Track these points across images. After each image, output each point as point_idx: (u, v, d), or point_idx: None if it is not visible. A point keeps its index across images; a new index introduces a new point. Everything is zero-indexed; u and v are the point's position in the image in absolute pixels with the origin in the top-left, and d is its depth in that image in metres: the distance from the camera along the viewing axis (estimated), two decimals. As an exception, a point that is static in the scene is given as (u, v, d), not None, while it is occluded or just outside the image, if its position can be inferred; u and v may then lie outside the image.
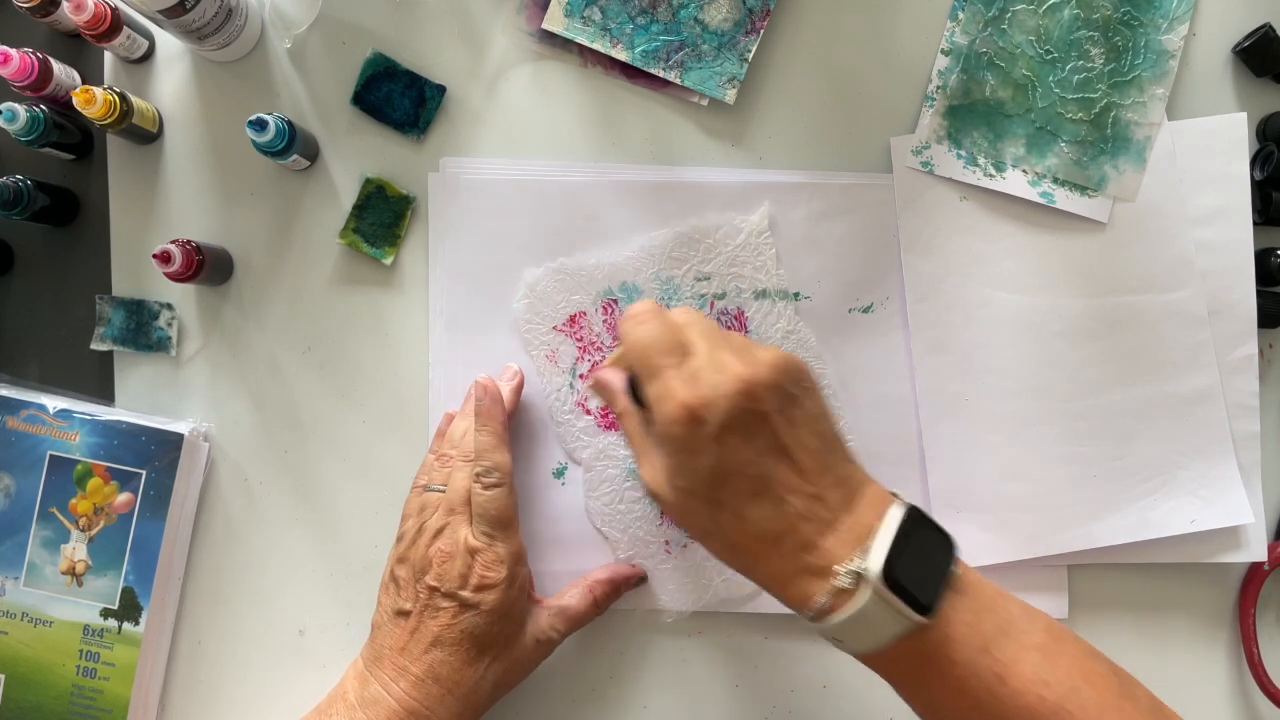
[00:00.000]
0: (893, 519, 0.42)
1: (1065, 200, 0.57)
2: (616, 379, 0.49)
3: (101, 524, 0.57)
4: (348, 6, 0.58)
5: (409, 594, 0.51)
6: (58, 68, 0.55)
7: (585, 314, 0.58)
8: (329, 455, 0.59)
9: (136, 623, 0.56)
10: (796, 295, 0.58)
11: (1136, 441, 0.57)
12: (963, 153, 0.57)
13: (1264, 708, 0.58)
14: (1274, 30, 0.57)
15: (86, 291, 0.59)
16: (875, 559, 0.41)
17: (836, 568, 0.42)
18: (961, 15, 0.57)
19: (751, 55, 0.57)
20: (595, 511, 0.58)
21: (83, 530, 0.57)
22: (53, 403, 0.57)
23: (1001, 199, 0.57)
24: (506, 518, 0.51)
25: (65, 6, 0.52)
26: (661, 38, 0.57)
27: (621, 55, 0.57)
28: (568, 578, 0.56)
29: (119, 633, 0.56)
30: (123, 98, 0.54)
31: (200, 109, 0.59)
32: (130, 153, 0.59)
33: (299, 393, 0.59)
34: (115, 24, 0.54)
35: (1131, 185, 0.57)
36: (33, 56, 0.53)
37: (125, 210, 0.59)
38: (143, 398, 0.59)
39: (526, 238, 0.58)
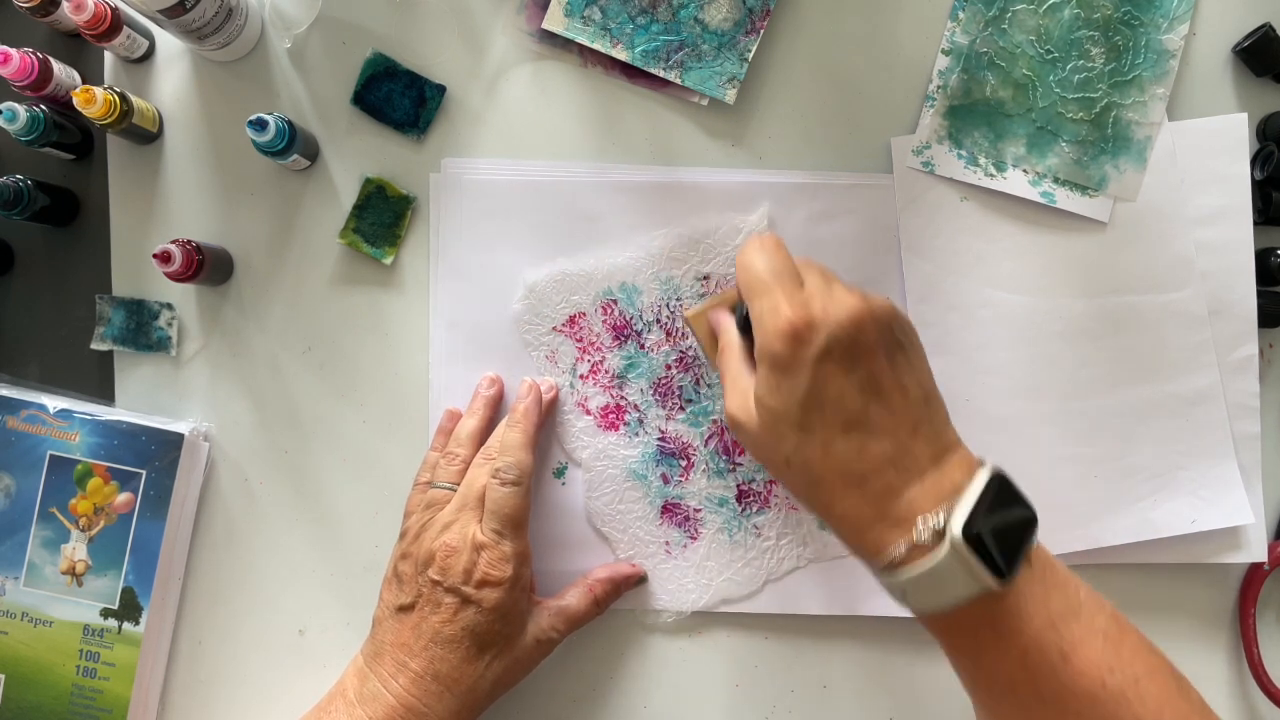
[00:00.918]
0: (980, 480, 0.42)
1: (1066, 200, 0.57)
2: (722, 320, 0.49)
3: (101, 524, 0.57)
4: (348, 6, 0.58)
5: (411, 588, 0.51)
6: (58, 68, 0.55)
7: (585, 314, 0.58)
8: (329, 455, 0.59)
9: (136, 623, 0.56)
10: (797, 295, 0.58)
11: (1137, 442, 0.57)
12: (963, 153, 0.57)
13: (1264, 708, 0.58)
14: (1274, 30, 0.57)
15: (86, 291, 0.59)
16: (959, 516, 0.40)
17: (919, 519, 0.41)
18: (962, 15, 0.57)
19: (751, 55, 0.57)
20: (595, 511, 0.58)
21: (83, 530, 0.57)
22: (53, 403, 0.57)
23: (1002, 199, 0.57)
24: (518, 518, 0.51)
25: (65, 6, 0.52)
26: (661, 38, 0.57)
27: (621, 55, 0.57)
28: (568, 578, 0.56)
29: (119, 633, 0.57)
30: (123, 98, 0.54)
31: (200, 109, 0.59)
32: (130, 153, 0.59)
33: (299, 393, 0.59)
34: (115, 24, 0.54)
35: (1132, 185, 0.57)
36: (33, 56, 0.53)
37: (125, 210, 0.59)
38: (143, 398, 0.59)
39: (526, 238, 0.58)
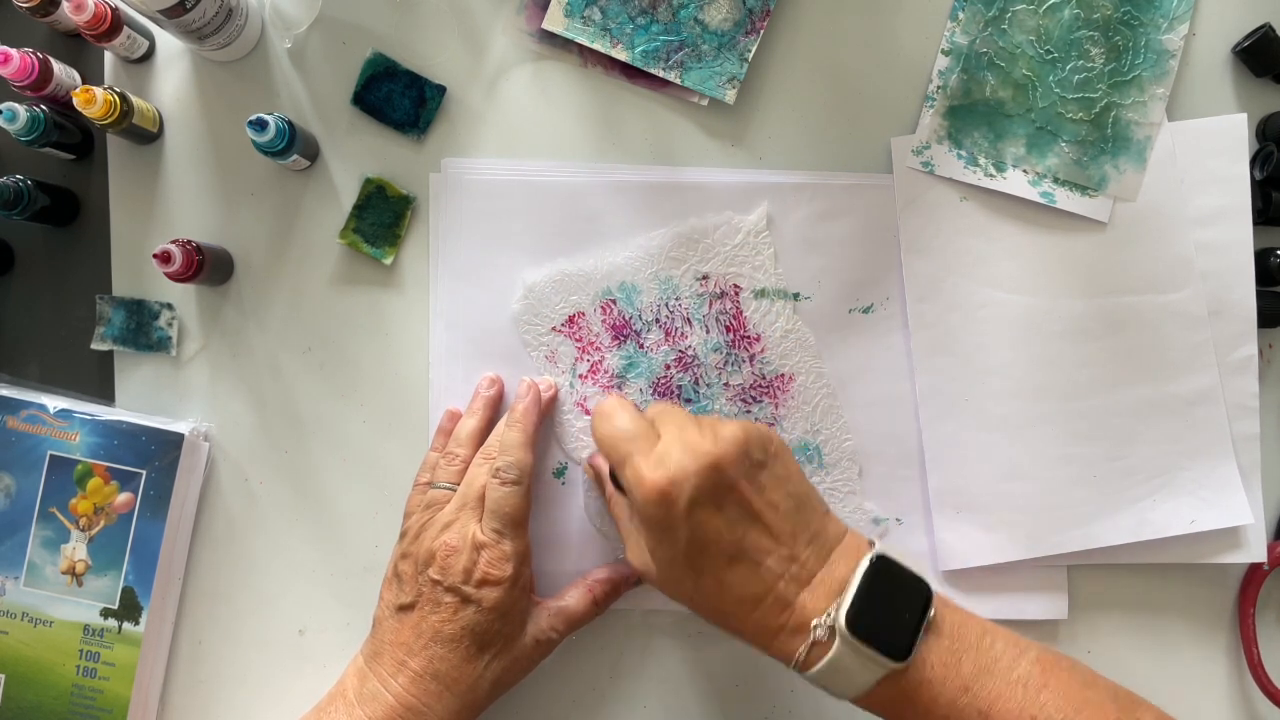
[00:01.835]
0: (861, 570, 0.45)
1: (1066, 200, 0.57)
2: (604, 467, 0.53)
3: (101, 524, 0.57)
4: (348, 6, 0.58)
5: (411, 587, 0.51)
6: (58, 68, 0.55)
7: (584, 314, 0.58)
8: (329, 455, 0.59)
9: (136, 622, 0.57)
10: (796, 295, 0.58)
11: (1136, 442, 0.57)
12: (963, 153, 0.57)
13: (1264, 708, 0.58)
14: (1274, 30, 0.57)
15: (86, 291, 0.59)
16: (844, 611, 0.44)
17: (814, 622, 0.44)
18: (962, 15, 0.57)
19: (751, 55, 0.57)
20: (595, 511, 0.58)
21: (83, 530, 0.57)
22: (53, 402, 0.57)
23: (1002, 199, 0.57)
24: (518, 517, 0.52)
25: (65, 6, 0.52)
26: (661, 38, 0.57)
27: (621, 55, 0.57)
28: (568, 578, 0.56)
29: (119, 633, 0.57)
30: (123, 98, 0.54)
31: (200, 109, 0.59)
32: (130, 153, 0.59)
33: (299, 393, 0.59)
34: (115, 24, 0.54)
35: (1132, 185, 0.57)
36: (33, 56, 0.53)
37: (125, 210, 0.59)
38: (143, 398, 0.59)
39: (526, 238, 0.58)
